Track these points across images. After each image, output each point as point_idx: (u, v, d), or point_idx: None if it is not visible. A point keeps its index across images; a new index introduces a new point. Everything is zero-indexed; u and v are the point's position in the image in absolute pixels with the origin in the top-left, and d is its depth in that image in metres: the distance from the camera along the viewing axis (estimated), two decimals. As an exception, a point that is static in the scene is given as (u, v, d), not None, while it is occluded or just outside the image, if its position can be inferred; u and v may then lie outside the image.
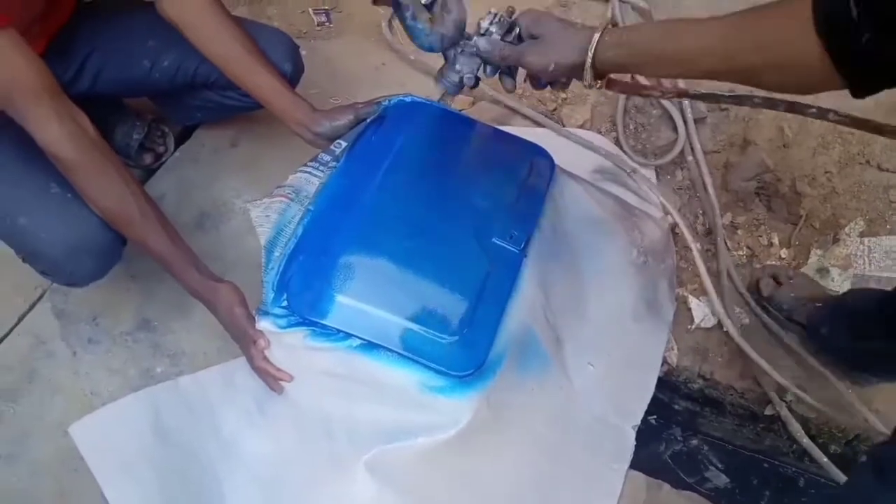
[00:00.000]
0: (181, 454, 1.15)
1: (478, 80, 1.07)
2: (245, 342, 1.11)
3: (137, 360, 1.28)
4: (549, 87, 1.02)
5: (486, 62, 1.03)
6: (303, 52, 1.75)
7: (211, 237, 1.45)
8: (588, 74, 0.91)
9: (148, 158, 1.58)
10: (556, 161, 1.37)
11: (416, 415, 1.06)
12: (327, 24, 1.90)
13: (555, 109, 1.81)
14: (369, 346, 1.04)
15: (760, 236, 1.74)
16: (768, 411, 1.52)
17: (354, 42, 1.84)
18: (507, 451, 1.16)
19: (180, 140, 1.62)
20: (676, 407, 1.70)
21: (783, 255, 1.71)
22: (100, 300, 1.34)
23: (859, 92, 0.72)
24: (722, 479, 1.67)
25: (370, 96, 1.29)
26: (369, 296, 1.04)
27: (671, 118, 1.77)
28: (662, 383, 1.62)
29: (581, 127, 1.75)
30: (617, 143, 1.75)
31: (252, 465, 1.16)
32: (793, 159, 1.77)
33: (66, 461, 1.17)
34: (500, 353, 1.09)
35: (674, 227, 1.65)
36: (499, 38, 0.99)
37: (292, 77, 1.38)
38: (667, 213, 1.61)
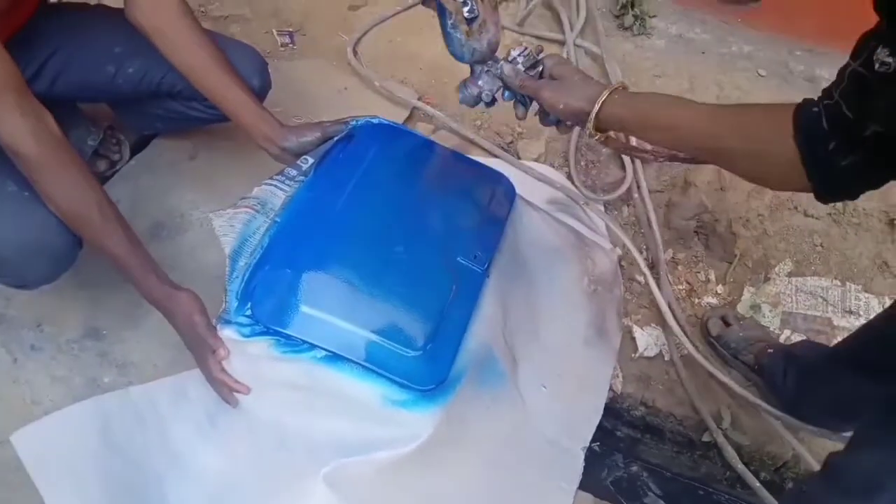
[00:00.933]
0: (129, 466, 1.11)
1: (494, 100, 1.13)
2: (203, 351, 1.09)
3: (83, 368, 1.23)
4: (555, 126, 1.09)
5: (506, 86, 1.10)
6: (267, 71, 1.77)
7: (167, 247, 1.43)
8: (590, 124, 0.99)
9: (102, 165, 1.54)
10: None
11: (378, 428, 1.06)
12: (291, 45, 1.93)
13: (511, 142, 1.88)
14: (333, 358, 1.04)
15: (699, 272, 1.83)
16: (705, 438, 1.59)
17: (318, 65, 1.87)
18: (463, 467, 1.18)
19: (136, 149, 1.59)
20: (619, 434, 1.75)
21: (719, 291, 1.81)
22: (45, 306, 1.29)
23: (824, 197, 0.82)
24: (659, 505, 1.73)
25: (333, 118, 1.31)
26: (335, 308, 1.05)
27: (620, 157, 1.86)
28: (607, 410, 1.67)
29: (535, 160, 1.82)
30: (569, 177, 1.83)
31: (202, 479, 1.13)
32: (729, 202, 1.89)
33: (5, 476, 1.10)
34: (461, 369, 1.11)
35: (620, 260, 1.73)
36: (523, 69, 1.07)
37: (260, 92, 1.39)
38: (620, 245, 1.68)
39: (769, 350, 1.55)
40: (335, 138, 1.29)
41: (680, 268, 1.83)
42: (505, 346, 1.26)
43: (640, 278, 1.77)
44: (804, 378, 1.44)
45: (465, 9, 1.00)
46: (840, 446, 1.14)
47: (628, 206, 1.87)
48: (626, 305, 1.72)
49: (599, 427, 1.74)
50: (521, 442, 1.29)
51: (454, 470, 1.16)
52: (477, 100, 1.13)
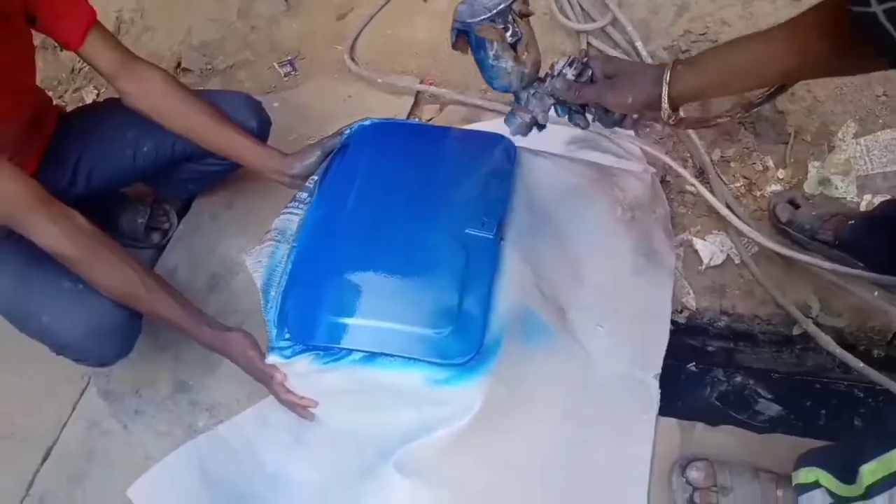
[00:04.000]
0: (232, 497, 1.24)
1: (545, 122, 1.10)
2: (265, 380, 1.20)
3: (180, 419, 1.38)
4: (618, 125, 1.06)
5: (559, 102, 1.07)
6: (275, 105, 1.87)
7: (224, 294, 1.55)
8: (665, 104, 0.95)
9: (156, 237, 1.70)
10: (526, 143, 1.42)
11: (431, 410, 1.11)
12: (293, 73, 2.01)
13: (520, 96, 1.85)
14: (370, 357, 1.10)
15: (754, 163, 1.73)
16: (796, 331, 1.51)
17: (319, 83, 1.94)
18: (532, 423, 1.20)
19: (182, 213, 1.74)
20: (710, 348, 1.69)
21: (780, 176, 1.70)
22: (138, 374, 1.45)
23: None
24: (774, 409, 1.66)
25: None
26: (358, 309, 1.10)
27: (636, 75, 1.79)
28: (690, 329, 1.63)
29: (549, 104, 1.79)
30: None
31: (300, 494, 1.24)
32: (766, 80, 1.76)
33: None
34: (497, 335, 1.13)
35: (664, 177, 1.67)
36: (573, 79, 1.03)
37: (260, 131, 1.47)
38: (660, 162, 1.62)
39: (849, 221, 1.44)
40: (334, 151, 1.35)
41: (732, 164, 1.73)
42: (544, 299, 1.27)
43: (691, 188, 1.70)
44: (893, 236, 1.33)
45: (508, 33, 0.96)
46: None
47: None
48: (683, 219, 1.66)
49: (689, 347, 1.71)
50: (592, 386, 1.29)
51: (523, 428, 1.19)
52: (530, 126, 1.10)
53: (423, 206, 1.23)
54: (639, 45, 1.75)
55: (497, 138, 1.34)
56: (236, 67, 2.07)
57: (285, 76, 2.00)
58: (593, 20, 1.83)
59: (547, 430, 1.23)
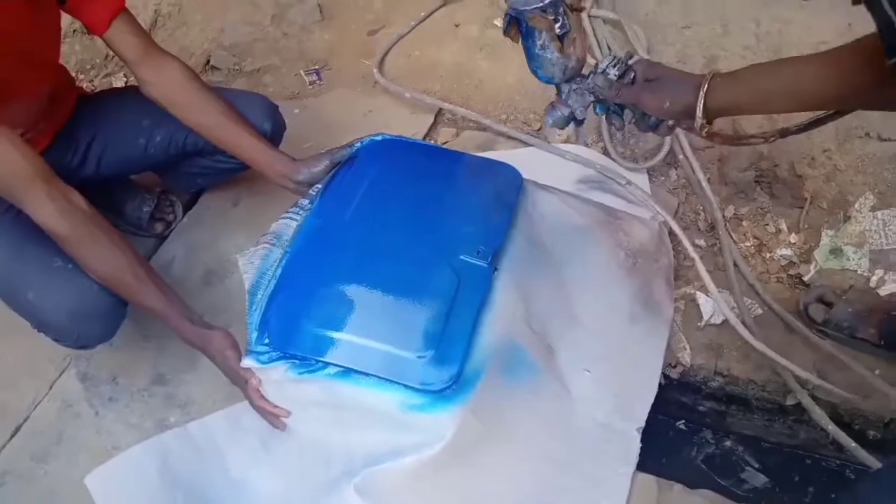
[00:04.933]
0: (191, 497, 1.21)
1: (584, 118, 1.12)
2: (240, 383, 1.18)
3: (153, 412, 1.37)
4: (654, 130, 1.07)
5: (598, 100, 1.09)
6: (295, 111, 1.88)
7: (217, 291, 1.55)
8: (699, 115, 0.97)
9: (159, 227, 1.70)
10: (538, 177, 1.41)
11: (402, 435, 1.09)
12: (318, 82, 2.02)
13: (539, 129, 1.85)
14: (346, 373, 1.08)
15: (767, 224, 1.70)
16: (789, 401, 1.46)
17: (342, 95, 1.95)
18: (504, 460, 1.17)
19: (189, 207, 1.74)
20: (701, 409, 1.65)
21: (793, 241, 1.67)
22: (118, 361, 1.44)
23: None
24: (760, 479, 1.61)
25: None
26: (340, 323, 1.09)
27: (657, 121, 1.78)
28: (683, 386, 1.59)
29: (566, 142, 1.78)
30: (605, 152, 1.77)
31: (262, 502, 1.21)
32: (787, 143, 1.73)
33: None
34: (478, 366, 1.11)
35: (669, 229, 1.64)
36: (615, 79, 1.05)
37: (273, 135, 1.48)
38: (671, 211, 1.59)
39: (893, 313, 1.38)
40: (342, 162, 1.35)
41: (745, 223, 1.71)
42: (533, 336, 1.24)
43: (701, 242, 1.67)
44: None
45: (557, 25, 0.98)
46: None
47: (675, 168, 1.77)
48: (688, 272, 1.63)
49: (681, 405, 1.67)
50: (570, 430, 1.26)
51: (496, 467, 1.16)
52: (568, 120, 1.12)
53: (421, 226, 1.22)
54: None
55: (506, 168, 1.33)
56: (263, 71, 2.09)
57: (310, 84, 2.01)
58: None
59: (520, 471, 1.19)
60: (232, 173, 1.60)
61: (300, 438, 1.18)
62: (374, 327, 1.09)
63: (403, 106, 1.89)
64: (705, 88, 0.95)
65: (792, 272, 1.61)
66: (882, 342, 1.38)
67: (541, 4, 0.95)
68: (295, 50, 2.12)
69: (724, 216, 1.68)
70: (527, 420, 1.22)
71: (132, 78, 2.14)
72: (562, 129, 1.15)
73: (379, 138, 1.37)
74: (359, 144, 1.36)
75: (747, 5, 1.89)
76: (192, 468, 1.24)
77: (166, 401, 1.38)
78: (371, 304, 1.11)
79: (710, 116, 0.98)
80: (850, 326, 1.42)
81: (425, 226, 1.22)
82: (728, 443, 1.66)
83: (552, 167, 1.68)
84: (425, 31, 2.08)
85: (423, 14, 2.07)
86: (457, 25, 2.08)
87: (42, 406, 1.40)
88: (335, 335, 1.09)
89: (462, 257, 1.16)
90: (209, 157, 1.53)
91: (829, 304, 1.46)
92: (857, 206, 1.65)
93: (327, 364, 1.08)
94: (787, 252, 1.65)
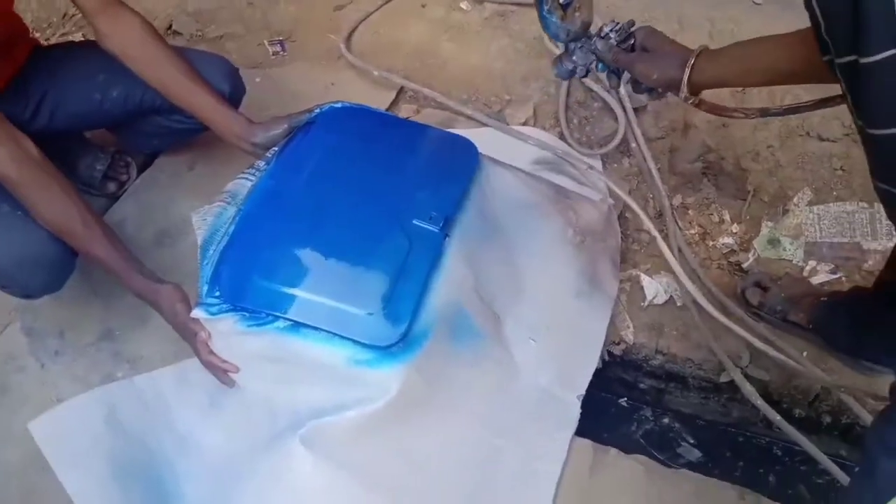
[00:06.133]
0: (137, 448, 1.21)
1: (587, 72, 1.22)
2: (189, 337, 1.18)
3: (100, 366, 1.36)
4: (647, 94, 1.17)
5: (599, 60, 1.18)
6: (256, 79, 1.87)
7: (170, 252, 1.54)
8: (684, 88, 1.05)
9: (112, 187, 1.68)
10: (495, 155, 1.44)
11: (347, 389, 1.11)
12: (282, 53, 2.02)
13: (500, 111, 1.88)
14: (296, 326, 1.09)
15: (711, 214, 1.77)
16: (723, 378, 1.53)
17: (305, 67, 1.96)
18: (445, 421, 1.20)
19: (143, 168, 1.73)
20: (642, 386, 1.72)
21: (734, 230, 1.74)
22: (66, 315, 1.43)
23: None
24: (695, 454, 1.68)
25: None
26: (291, 278, 1.10)
27: (612, 110, 1.83)
28: (626, 363, 1.65)
29: (524, 124, 1.82)
30: (561, 136, 1.82)
31: (207, 457, 1.22)
32: (734, 138, 1.81)
33: (35, 461, 1.24)
34: (426, 327, 1.14)
35: (622, 213, 1.70)
36: (615, 43, 1.14)
37: (232, 96, 1.47)
38: (615, 196, 1.65)
39: (822, 299, 1.46)
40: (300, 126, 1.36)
41: (691, 212, 1.77)
42: (480, 303, 1.28)
43: (646, 228, 1.73)
44: (859, 323, 1.36)
45: None
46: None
47: (627, 157, 1.83)
48: (636, 255, 1.69)
49: (622, 381, 1.73)
50: (512, 395, 1.30)
51: (435, 424, 1.19)
52: (571, 73, 1.22)
53: (376, 191, 1.23)
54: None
55: (463, 141, 1.36)
56: (226, 38, 2.08)
57: (273, 55, 2.01)
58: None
59: (461, 431, 1.23)
60: (188, 135, 1.59)
61: (247, 394, 1.20)
62: (324, 284, 1.11)
63: (366, 81, 1.91)
64: (691, 64, 1.02)
65: (732, 259, 1.68)
66: (810, 326, 1.46)
67: None
68: (260, 20, 2.11)
69: (671, 204, 1.75)
70: (470, 383, 1.25)
71: (90, 38, 2.12)
72: (565, 80, 1.35)
73: (339, 105, 1.39)
74: (318, 110, 1.38)
75: (702, 5, 1.96)
76: (138, 420, 1.24)
77: (114, 356, 1.38)
78: (323, 261, 1.13)
79: (695, 89, 1.06)
80: (783, 310, 1.49)
81: (380, 190, 1.23)
82: (666, 419, 1.73)
83: (509, 147, 1.71)
84: (392, 9, 2.09)
85: (391, -8, 2.09)
86: (423, 6, 2.10)
87: (-16, 361, 1.38)
88: (286, 290, 1.10)
89: (415, 222, 1.18)
90: (166, 117, 1.51)
91: (764, 289, 1.54)
92: (795, 200, 1.73)
93: (277, 318, 1.10)
94: (728, 241, 1.72)
